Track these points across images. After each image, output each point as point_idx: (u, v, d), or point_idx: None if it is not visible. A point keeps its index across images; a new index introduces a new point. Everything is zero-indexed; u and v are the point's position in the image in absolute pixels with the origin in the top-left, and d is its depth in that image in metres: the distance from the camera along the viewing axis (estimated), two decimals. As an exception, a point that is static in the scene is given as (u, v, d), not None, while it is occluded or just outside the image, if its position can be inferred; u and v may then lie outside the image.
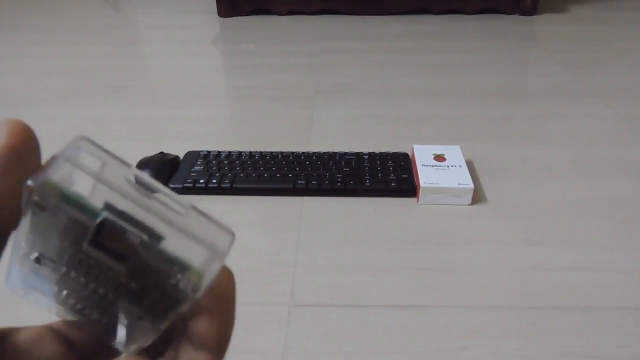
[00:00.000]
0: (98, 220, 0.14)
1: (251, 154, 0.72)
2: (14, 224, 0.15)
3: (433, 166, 0.67)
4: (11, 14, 1.59)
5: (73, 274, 0.15)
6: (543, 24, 1.40)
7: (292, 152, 0.72)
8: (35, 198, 0.14)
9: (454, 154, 0.70)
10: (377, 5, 1.49)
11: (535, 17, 1.47)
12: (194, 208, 0.15)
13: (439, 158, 0.69)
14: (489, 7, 1.48)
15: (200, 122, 0.88)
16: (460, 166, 0.67)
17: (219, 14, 1.51)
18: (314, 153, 0.72)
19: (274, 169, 0.69)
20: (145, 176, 0.15)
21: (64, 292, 0.16)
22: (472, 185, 0.63)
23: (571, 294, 0.51)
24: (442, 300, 0.51)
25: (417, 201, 0.65)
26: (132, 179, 0.15)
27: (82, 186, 0.14)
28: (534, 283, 0.52)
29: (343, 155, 0.72)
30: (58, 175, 0.14)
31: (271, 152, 0.72)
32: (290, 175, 0.68)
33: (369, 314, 0.49)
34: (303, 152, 0.72)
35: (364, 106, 0.93)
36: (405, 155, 0.72)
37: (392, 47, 1.24)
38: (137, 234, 0.14)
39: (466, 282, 0.53)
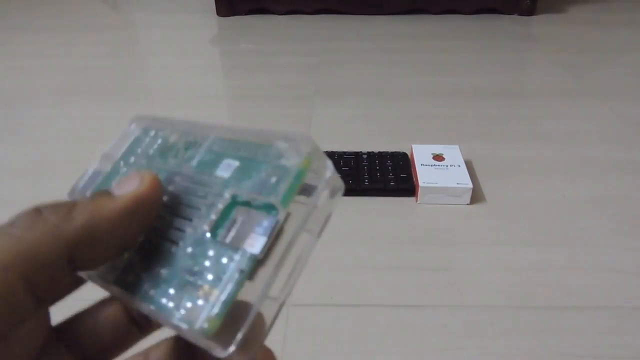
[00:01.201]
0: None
1: (250, 154, 0.72)
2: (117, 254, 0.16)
3: (432, 166, 0.67)
4: (9, 13, 1.59)
5: None
6: (542, 24, 1.40)
7: (291, 152, 0.72)
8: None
9: (453, 154, 0.70)
10: (376, 5, 1.49)
11: (533, 17, 1.47)
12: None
13: (438, 158, 0.69)
14: (487, 7, 1.48)
15: (199, 121, 0.88)
16: (459, 166, 0.67)
17: (217, 14, 1.51)
18: (312, 152, 0.72)
19: (272, 168, 0.69)
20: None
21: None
22: (470, 185, 0.63)
23: (570, 294, 0.51)
24: (440, 300, 0.50)
25: (416, 201, 0.65)
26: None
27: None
28: (533, 282, 0.52)
29: (342, 154, 0.72)
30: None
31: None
32: (288, 174, 0.67)
33: (367, 313, 0.49)
34: (302, 152, 0.72)
35: (363, 106, 0.93)
36: (404, 154, 0.72)
37: (391, 47, 1.24)
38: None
39: (465, 282, 0.53)
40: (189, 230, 0.16)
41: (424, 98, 0.96)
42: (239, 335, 0.14)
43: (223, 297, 0.14)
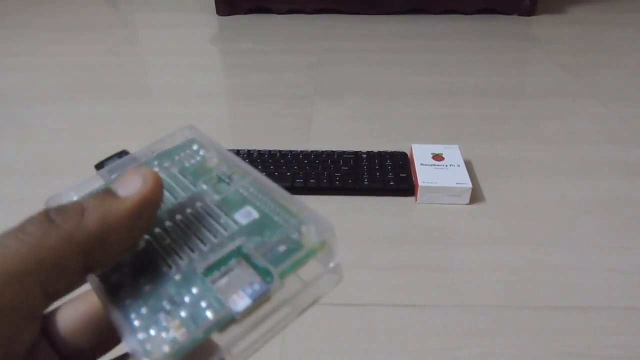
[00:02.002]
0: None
1: (249, 153, 0.72)
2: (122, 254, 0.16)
3: (431, 165, 0.67)
4: (9, 12, 1.58)
5: None
6: (542, 25, 1.40)
7: (291, 151, 0.72)
8: None
9: (453, 154, 0.70)
10: (376, 4, 1.49)
11: (533, 17, 1.47)
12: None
13: (438, 157, 0.69)
14: (487, 7, 1.48)
15: (199, 120, 0.88)
16: (459, 166, 0.67)
17: (217, 13, 1.51)
18: (312, 152, 0.72)
19: (272, 167, 0.69)
20: None
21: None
22: (470, 185, 0.63)
23: (569, 294, 0.51)
24: (440, 300, 0.50)
25: (416, 200, 0.65)
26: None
27: None
28: (532, 282, 0.52)
29: (341, 154, 0.72)
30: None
31: (269, 151, 0.72)
32: (288, 173, 0.67)
33: (367, 313, 0.49)
34: (301, 151, 0.72)
35: (363, 105, 0.93)
36: (404, 154, 0.72)
37: (391, 46, 1.24)
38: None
39: (464, 282, 0.53)
40: (186, 259, 0.16)
41: (424, 98, 0.96)
42: None
43: (187, 340, 0.14)
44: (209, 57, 1.21)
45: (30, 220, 0.14)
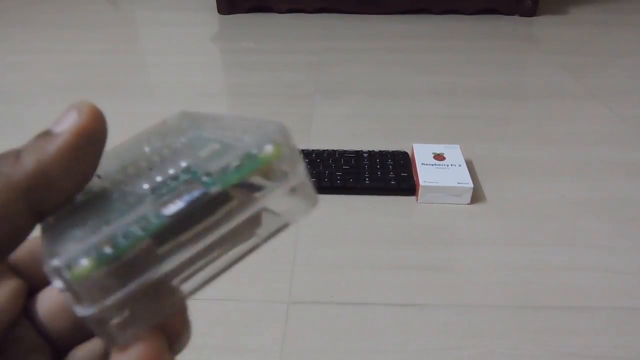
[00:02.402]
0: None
1: (250, 151, 0.72)
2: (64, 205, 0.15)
3: (432, 165, 0.67)
4: (9, 10, 1.58)
5: None
6: (543, 25, 1.41)
7: (292, 150, 0.72)
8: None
9: (454, 154, 0.70)
10: (377, 4, 1.49)
11: (535, 18, 1.47)
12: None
13: (439, 157, 0.69)
14: (488, 7, 1.48)
15: (199, 119, 0.88)
16: (460, 165, 0.67)
17: (218, 11, 1.51)
18: (313, 151, 0.72)
19: (273, 166, 0.69)
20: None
21: None
22: (471, 185, 0.63)
23: (569, 294, 0.51)
24: (440, 299, 0.51)
25: (417, 200, 0.65)
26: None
27: None
28: (532, 282, 0.52)
29: (342, 153, 0.72)
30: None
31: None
32: (289, 172, 0.67)
33: (367, 312, 0.49)
34: (302, 150, 0.72)
35: (364, 105, 0.93)
36: (405, 154, 0.72)
37: (392, 46, 1.24)
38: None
39: (464, 281, 0.53)
40: (135, 187, 0.15)
41: (425, 97, 0.96)
42: (109, 300, 0.13)
43: (108, 248, 0.12)
44: (209, 56, 1.21)
45: None
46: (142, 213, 0.13)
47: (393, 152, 0.72)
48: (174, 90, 1.00)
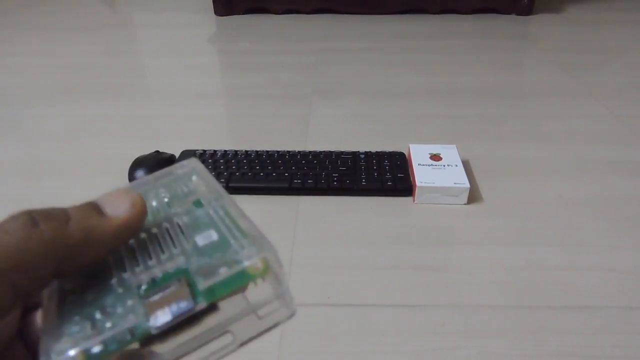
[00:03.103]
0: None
1: (247, 153, 0.72)
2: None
3: (429, 165, 0.67)
4: (7, 12, 1.58)
5: None
6: (539, 24, 1.41)
7: (289, 151, 0.72)
8: None
9: (450, 154, 0.70)
10: (373, 4, 1.49)
11: (531, 16, 1.47)
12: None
13: (435, 157, 0.69)
14: (485, 6, 1.48)
15: (196, 120, 0.88)
16: (457, 165, 0.67)
17: (215, 13, 1.51)
18: (310, 152, 0.72)
19: (270, 167, 0.69)
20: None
21: None
22: (468, 185, 0.63)
23: (567, 294, 0.51)
24: (437, 300, 0.51)
25: (413, 200, 0.65)
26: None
27: None
28: (530, 282, 0.52)
29: (339, 154, 0.72)
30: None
31: (267, 151, 0.72)
32: (286, 174, 0.67)
33: (364, 313, 0.49)
34: (299, 151, 0.72)
35: (361, 105, 0.93)
36: (402, 154, 0.72)
37: (389, 46, 1.24)
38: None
39: (462, 282, 0.53)
40: (132, 273, 0.16)
41: (422, 97, 0.96)
42: None
43: (96, 347, 0.14)
44: (207, 58, 1.21)
45: (14, 220, 0.14)
46: (132, 323, 0.14)
47: (390, 152, 0.72)
48: (171, 92, 1.00)
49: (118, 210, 0.16)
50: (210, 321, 0.15)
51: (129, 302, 0.15)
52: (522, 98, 0.96)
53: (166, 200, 0.20)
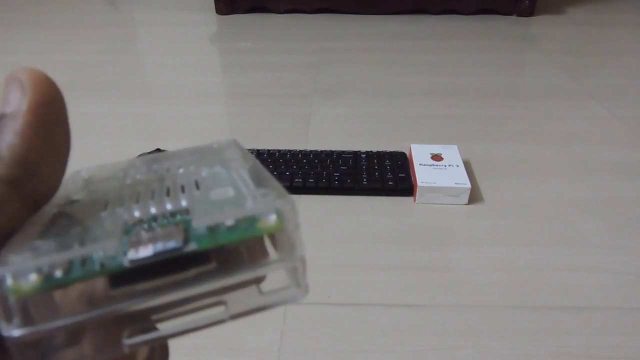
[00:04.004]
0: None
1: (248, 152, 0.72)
2: (56, 189, 0.15)
3: (430, 165, 0.67)
4: (7, 10, 1.58)
5: None
6: (540, 25, 1.41)
7: (290, 150, 0.72)
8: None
9: (451, 154, 0.70)
10: (375, 4, 1.49)
11: (532, 18, 1.47)
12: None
13: (437, 157, 0.69)
14: (486, 7, 1.48)
15: (197, 119, 0.88)
16: (458, 166, 0.67)
17: (217, 12, 1.51)
18: (311, 151, 0.72)
19: (271, 166, 0.69)
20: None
21: None
22: (469, 185, 0.63)
23: (566, 294, 0.51)
24: (437, 300, 0.51)
25: (414, 200, 0.65)
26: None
27: None
28: (530, 283, 0.53)
29: (340, 153, 0.72)
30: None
31: (268, 150, 0.72)
32: (287, 173, 0.67)
33: (365, 312, 0.49)
34: (300, 150, 0.72)
35: (362, 105, 0.93)
36: (403, 154, 0.72)
37: (390, 46, 1.25)
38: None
39: (462, 282, 0.53)
40: (129, 209, 0.14)
41: (423, 98, 0.96)
42: (40, 327, 0.11)
43: (58, 272, 0.11)
44: (208, 56, 1.21)
45: None
46: (107, 248, 0.12)
47: (391, 152, 0.72)
48: (172, 91, 1.00)
49: (13, 103, 0.13)
50: (199, 281, 0.13)
51: (110, 230, 0.13)
52: (523, 99, 0.96)
53: (192, 166, 0.17)
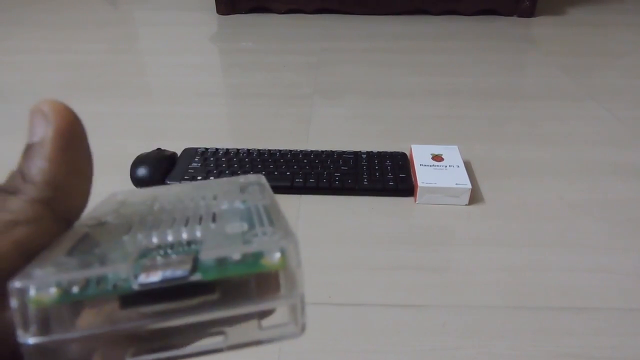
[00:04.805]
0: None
1: (249, 152, 0.72)
2: (84, 207, 0.16)
3: (431, 166, 0.67)
4: (9, 9, 1.58)
5: None
6: (541, 26, 1.41)
7: (290, 150, 0.72)
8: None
9: (452, 154, 0.70)
10: (375, 5, 1.49)
11: (533, 19, 1.47)
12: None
13: (437, 158, 0.69)
14: (487, 8, 1.48)
15: (198, 119, 0.88)
16: (458, 166, 0.67)
17: (217, 12, 1.51)
18: (311, 151, 0.72)
19: (271, 166, 0.69)
20: None
21: None
22: (469, 186, 0.63)
23: (567, 295, 0.51)
24: (438, 300, 0.51)
25: (415, 201, 0.65)
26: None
27: None
28: (530, 283, 0.53)
29: (341, 154, 0.72)
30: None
31: (269, 150, 0.72)
32: (287, 173, 0.67)
33: (365, 312, 0.49)
34: (301, 151, 0.72)
35: (362, 105, 0.93)
36: (403, 154, 0.72)
37: (391, 47, 1.25)
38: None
39: (462, 282, 0.53)
40: (148, 235, 0.15)
41: (424, 98, 0.96)
42: (54, 337, 0.12)
43: (76, 288, 0.13)
44: (208, 56, 1.21)
45: None
46: (121, 270, 0.13)
47: (391, 153, 0.72)
48: (172, 90, 1.00)
49: (39, 133, 0.15)
50: (202, 310, 0.14)
51: (127, 253, 0.14)
52: (524, 100, 0.96)
53: (215, 198, 0.19)
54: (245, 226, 0.16)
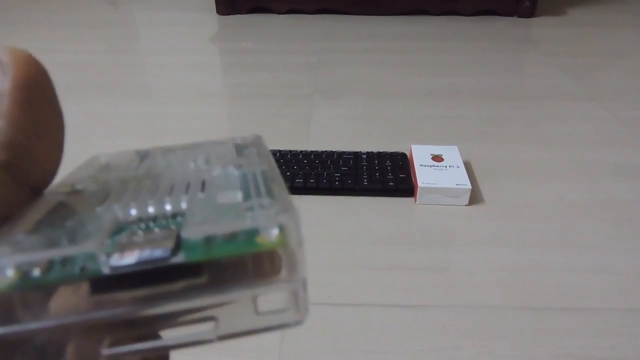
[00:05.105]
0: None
1: (249, 152, 0.72)
2: (53, 174, 0.14)
3: (431, 166, 0.67)
4: (9, 9, 1.58)
5: None
6: (541, 26, 1.41)
7: (290, 151, 0.72)
8: None
9: (452, 155, 0.70)
10: (375, 5, 1.49)
11: (533, 19, 1.47)
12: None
13: (437, 158, 0.69)
14: (487, 8, 1.48)
15: (198, 119, 0.88)
16: (458, 167, 0.67)
17: (217, 12, 1.51)
18: (312, 152, 0.72)
19: (271, 167, 0.69)
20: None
21: None
22: (469, 186, 0.63)
23: (567, 295, 0.51)
24: (438, 300, 0.51)
25: (415, 201, 0.65)
26: None
27: None
28: (530, 284, 0.53)
29: (341, 154, 0.72)
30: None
31: (269, 150, 0.72)
32: (288, 173, 0.67)
33: (365, 313, 0.49)
34: (301, 151, 0.72)
35: (362, 106, 0.93)
36: (403, 155, 0.72)
37: (391, 47, 1.25)
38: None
39: (462, 282, 0.53)
40: (125, 206, 0.13)
41: (424, 98, 0.96)
42: (10, 328, 0.10)
43: (36, 271, 0.11)
44: (209, 56, 1.21)
45: None
46: (91, 251, 0.11)
47: (391, 153, 0.72)
48: (173, 91, 1.00)
49: None
50: (187, 296, 0.12)
51: (97, 232, 0.12)
52: (524, 100, 0.96)
53: (205, 159, 0.16)
54: (239, 196, 0.13)
